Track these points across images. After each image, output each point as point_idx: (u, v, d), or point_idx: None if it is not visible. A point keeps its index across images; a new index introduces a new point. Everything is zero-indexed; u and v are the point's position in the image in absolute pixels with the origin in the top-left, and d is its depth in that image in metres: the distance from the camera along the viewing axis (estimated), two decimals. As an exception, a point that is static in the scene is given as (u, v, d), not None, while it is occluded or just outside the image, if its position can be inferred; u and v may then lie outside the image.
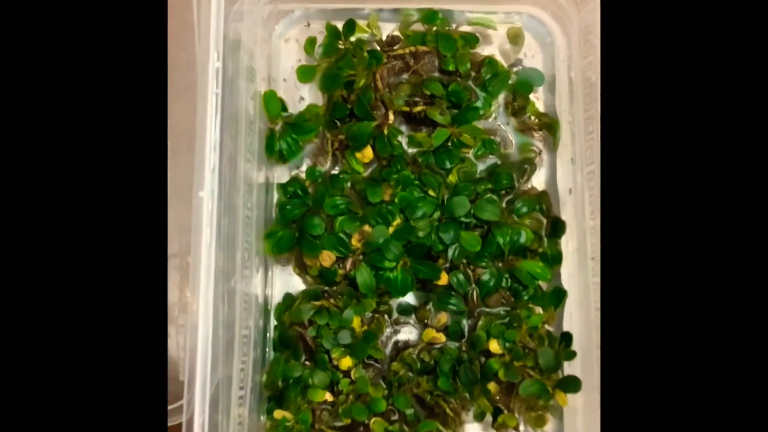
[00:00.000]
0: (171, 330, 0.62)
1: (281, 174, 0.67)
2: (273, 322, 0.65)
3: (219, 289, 0.51)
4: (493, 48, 0.71)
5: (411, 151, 0.66)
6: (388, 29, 0.69)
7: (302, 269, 0.66)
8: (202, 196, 0.48)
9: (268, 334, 0.65)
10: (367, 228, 0.63)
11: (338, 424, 0.63)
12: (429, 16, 0.68)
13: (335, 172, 0.67)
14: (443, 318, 0.65)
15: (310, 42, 0.68)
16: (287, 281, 0.67)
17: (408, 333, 0.66)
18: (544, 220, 0.67)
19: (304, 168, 0.68)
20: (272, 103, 0.65)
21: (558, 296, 0.66)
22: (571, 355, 0.64)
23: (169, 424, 0.57)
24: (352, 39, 0.67)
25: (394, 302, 0.66)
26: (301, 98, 0.69)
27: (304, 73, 0.68)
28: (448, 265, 0.64)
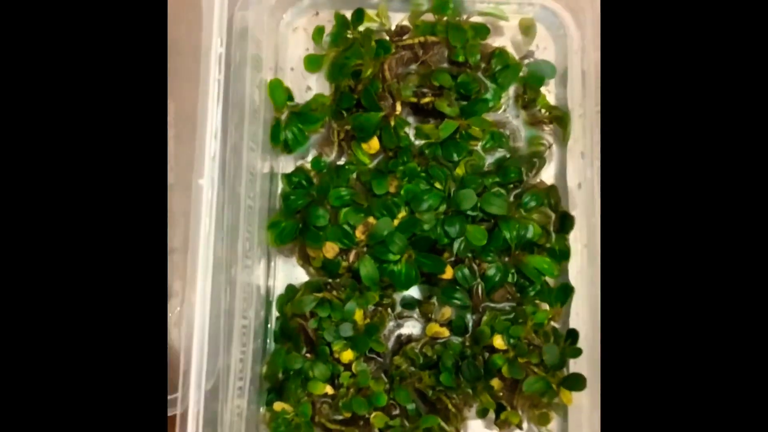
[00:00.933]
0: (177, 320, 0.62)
1: (286, 164, 0.67)
2: (275, 313, 0.65)
3: (218, 278, 0.50)
4: (504, 39, 0.69)
5: (418, 142, 0.66)
6: (397, 19, 0.68)
7: (305, 260, 0.65)
8: (201, 184, 0.48)
9: (269, 325, 0.64)
10: (371, 220, 0.62)
11: (338, 417, 0.62)
12: (440, 5, 0.66)
13: (341, 162, 0.66)
14: (447, 312, 0.64)
15: (318, 31, 0.67)
16: (290, 272, 0.66)
17: (411, 327, 0.65)
18: (553, 215, 0.65)
19: (309, 158, 0.67)
20: (278, 92, 0.64)
21: (565, 293, 0.64)
22: (577, 352, 0.63)
23: (169, 414, 0.57)
24: (361, 28, 0.66)
25: (398, 295, 0.65)
26: (308, 88, 0.68)
27: (312, 63, 0.68)
28: (453, 258, 0.63)
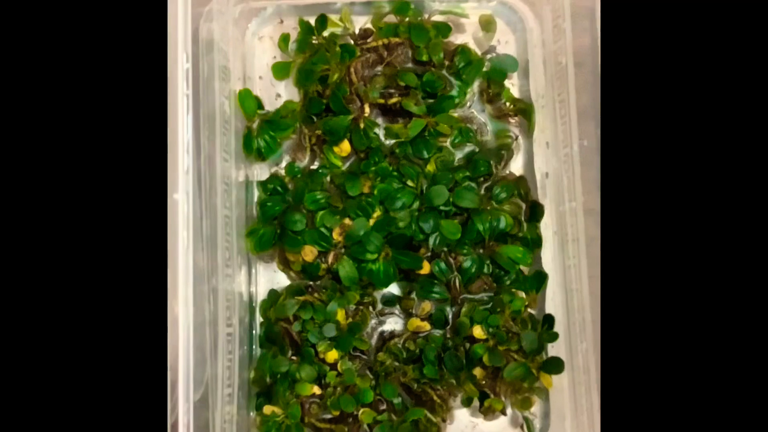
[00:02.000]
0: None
1: (260, 172, 0.68)
2: (259, 318, 0.66)
3: (200, 289, 0.51)
4: (466, 36, 0.71)
5: (388, 142, 0.67)
6: (360, 22, 0.69)
7: (285, 265, 0.66)
8: (177, 198, 0.49)
9: (254, 331, 0.65)
10: (347, 221, 0.64)
11: (327, 416, 0.63)
12: (401, 7, 0.68)
13: (314, 167, 0.67)
14: (427, 307, 0.65)
15: (284, 38, 0.68)
16: (271, 278, 0.67)
17: (393, 323, 0.67)
18: (523, 205, 0.67)
19: (283, 165, 0.68)
20: (248, 101, 0.65)
21: (539, 279, 0.66)
22: (554, 336, 0.65)
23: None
24: (325, 34, 0.67)
25: (378, 293, 0.66)
26: (278, 95, 0.69)
27: (280, 70, 0.69)
28: (429, 254, 0.65)
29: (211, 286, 0.55)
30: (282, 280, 0.67)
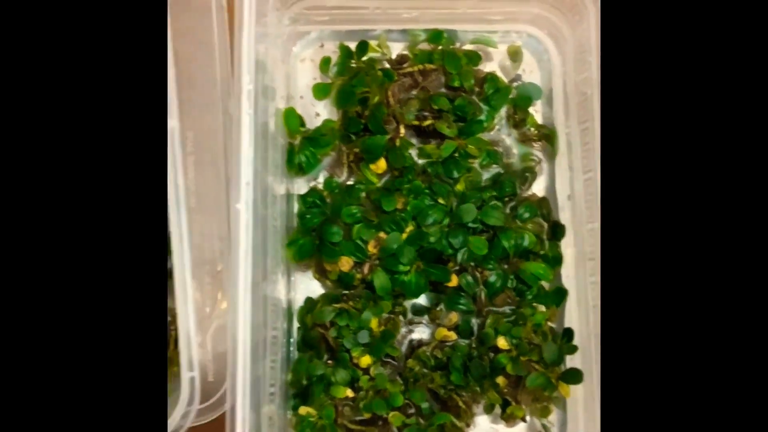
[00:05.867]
0: (198, 335, 0.66)
1: (300, 185, 0.72)
2: (296, 324, 0.69)
3: (253, 295, 0.55)
4: (494, 65, 0.76)
5: (421, 162, 0.71)
6: (396, 48, 0.74)
7: (322, 274, 0.70)
8: (238, 208, 0.53)
9: (291, 336, 0.69)
10: (382, 235, 0.68)
11: (359, 418, 0.67)
12: (435, 36, 0.73)
13: (351, 182, 0.71)
14: (454, 317, 0.69)
15: (325, 61, 0.73)
16: (307, 286, 0.71)
17: (421, 332, 0.71)
18: (545, 225, 0.72)
19: (320, 179, 0.72)
20: (292, 119, 0.69)
21: (559, 295, 0.71)
22: (573, 349, 0.69)
23: (203, 422, 0.61)
24: (364, 58, 0.72)
25: (408, 303, 0.70)
26: (317, 114, 0.74)
27: (320, 91, 0.73)
28: (457, 267, 0.69)
29: (261, 293, 0.59)
30: (317, 289, 0.71)
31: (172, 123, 0.55)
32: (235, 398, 0.51)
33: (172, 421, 0.52)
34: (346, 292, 0.69)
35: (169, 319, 0.61)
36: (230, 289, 0.52)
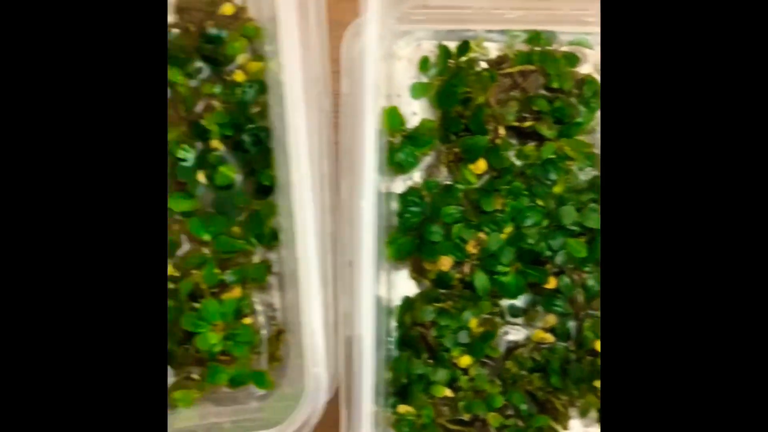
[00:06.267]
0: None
1: (398, 184, 0.72)
2: (393, 322, 0.70)
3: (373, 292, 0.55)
4: (589, 66, 0.75)
5: (519, 163, 0.71)
6: (492, 48, 0.73)
7: (419, 273, 0.70)
8: (363, 205, 0.53)
9: (389, 335, 0.69)
10: (481, 235, 0.68)
11: (456, 418, 0.67)
12: (533, 36, 0.72)
13: (449, 182, 0.71)
14: (551, 319, 0.69)
15: (424, 61, 0.73)
16: (402, 284, 0.71)
17: (518, 333, 0.71)
18: (643, 229, 0.71)
19: (416, 178, 0.72)
20: (395, 117, 0.69)
21: (657, 300, 0.70)
22: (672, 355, 0.68)
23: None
24: (464, 58, 0.72)
25: (505, 304, 0.70)
26: (414, 113, 0.74)
27: (418, 90, 0.73)
28: (555, 270, 0.69)
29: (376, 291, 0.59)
30: (411, 288, 0.71)
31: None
32: (361, 395, 0.51)
33: (298, 416, 0.52)
34: (444, 291, 0.69)
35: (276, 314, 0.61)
36: (353, 286, 0.52)
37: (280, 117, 0.68)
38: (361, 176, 0.53)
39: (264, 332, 0.67)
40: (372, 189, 0.54)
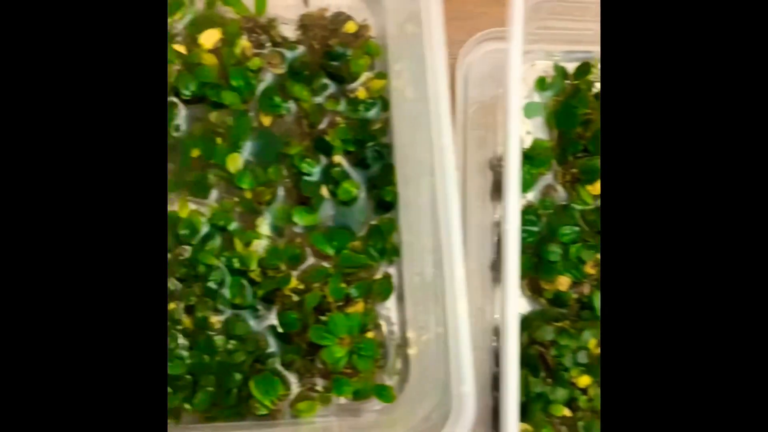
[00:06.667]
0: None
1: (513, 203, 0.73)
2: (508, 340, 0.70)
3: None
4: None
5: (634, 185, 0.71)
6: (601, 70, 0.74)
7: (535, 292, 0.71)
8: (507, 228, 0.54)
9: (505, 352, 0.70)
10: (599, 256, 0.68)
11: (574, 438, 0.67)
12: (648, 59, 0.73)
13: (564, 202, 0.72)
14: (667, 342, 0.69)
15: (540, 81, 0.73)
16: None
17: (633, 355, 0.71)
18: None
19: (529, 197, 0.73)
20: (514, 137, 0.70)
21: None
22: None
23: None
24: (582, 79, 0.72)
25: (620, 326, 0.70)
26: (528, 132, 0.74)
27: (532, 110, 0.74)
28: (671, 292, 0.69)
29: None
30: (525, 306, 0.72)
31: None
32: (507, 415, 0.52)
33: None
34: (561, 311, 0.69)
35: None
36: (499, 302, 0.52)
37: (400, 134, 0.70)
38: (506, 198, 0.54)
39: (388, 346, 0.68)
40: (517, 212, 0.54)
